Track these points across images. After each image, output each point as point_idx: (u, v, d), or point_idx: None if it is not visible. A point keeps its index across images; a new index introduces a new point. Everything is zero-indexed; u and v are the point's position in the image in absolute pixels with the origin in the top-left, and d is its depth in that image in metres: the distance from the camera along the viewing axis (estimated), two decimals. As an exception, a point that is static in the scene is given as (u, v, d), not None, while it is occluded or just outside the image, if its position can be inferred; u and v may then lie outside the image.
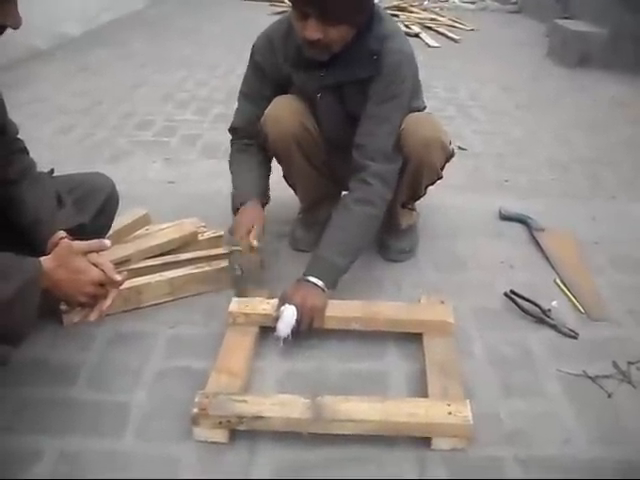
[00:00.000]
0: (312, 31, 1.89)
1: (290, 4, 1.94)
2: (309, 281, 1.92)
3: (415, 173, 2.18)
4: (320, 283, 1.92)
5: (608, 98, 4.57)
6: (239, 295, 2.06)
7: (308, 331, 1.89)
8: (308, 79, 2.13)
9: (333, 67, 2.06)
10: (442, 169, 2.28)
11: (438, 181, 2.36)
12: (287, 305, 1.86)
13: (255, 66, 2.21)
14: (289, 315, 1.84)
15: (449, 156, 2.26)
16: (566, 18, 5.94)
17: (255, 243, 2.05)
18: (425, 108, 2.30)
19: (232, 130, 2.34)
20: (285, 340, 1.85)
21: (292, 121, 2.16)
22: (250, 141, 2.28)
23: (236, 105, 2.33)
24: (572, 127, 3.97)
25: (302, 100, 2.20)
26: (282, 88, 2.21)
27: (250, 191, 2.21)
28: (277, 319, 1.86)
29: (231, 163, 2.33)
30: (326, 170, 2.36)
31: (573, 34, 5.47)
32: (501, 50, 5.96)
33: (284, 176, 2.40)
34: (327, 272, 1.96)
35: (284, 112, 2.17)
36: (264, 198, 2.25)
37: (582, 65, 5.31)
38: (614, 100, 4.53)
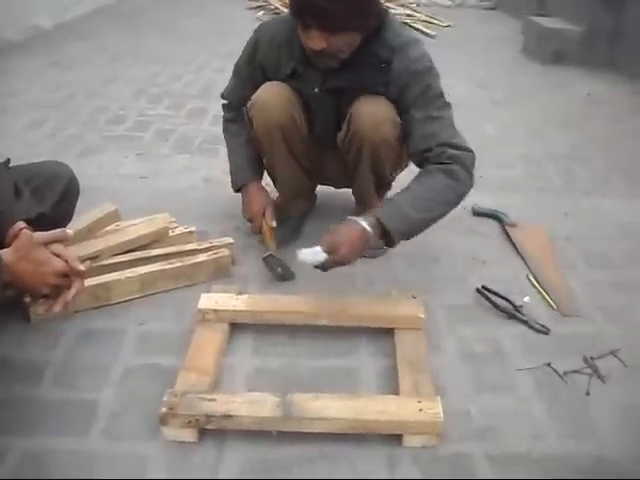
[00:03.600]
0: (315, 41, 1.90)
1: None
2: (357, 222, 1.86)
3: (372, 153, 2.14)
4: (368, 227, 1.84)
5: (582, 95, 4.59)
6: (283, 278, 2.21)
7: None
8: (311, 77, 2.12)
9: (340, 70, 2.05)
10: (401, 146, 2.18)
11: (405, 169, 2.34)
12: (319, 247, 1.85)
13: (253, 61, 2.24)
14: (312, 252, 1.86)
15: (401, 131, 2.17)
16: (541, 15, 5.96)
17: (273, 224, 2.29)
18: None
19: (224, 97, 2.45)
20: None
21: (279, 109, 2.16)
22: (239, 114, 2.36)
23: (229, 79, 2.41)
24: (546, 123, 3.98)
25: (294, 90, 2.19)
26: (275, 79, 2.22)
27: (249, 172, 2.36)
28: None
29: (225, 129, 2.46)
30: (307, 162, 2.36)
31: (548, 31, 5.48)
32: (476, 46, 5.97)
33: (265, 166, 2.42)
34: (395, 217, 1.88)
35: (273, 99, 2.16)
36: (261, 176, 2.42)
37: (557, 62, 5.33)
38: (588, 97, 4.55)
